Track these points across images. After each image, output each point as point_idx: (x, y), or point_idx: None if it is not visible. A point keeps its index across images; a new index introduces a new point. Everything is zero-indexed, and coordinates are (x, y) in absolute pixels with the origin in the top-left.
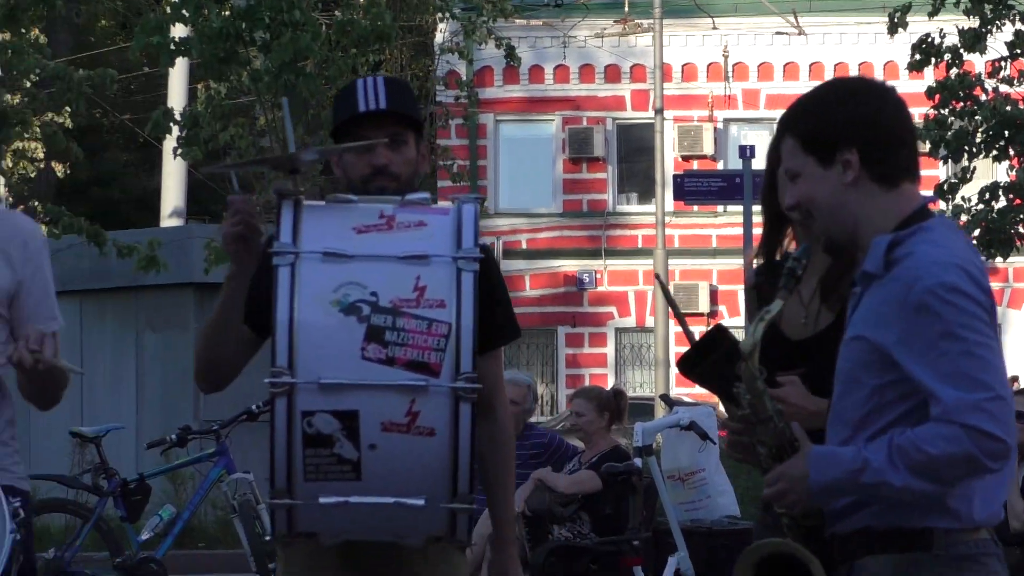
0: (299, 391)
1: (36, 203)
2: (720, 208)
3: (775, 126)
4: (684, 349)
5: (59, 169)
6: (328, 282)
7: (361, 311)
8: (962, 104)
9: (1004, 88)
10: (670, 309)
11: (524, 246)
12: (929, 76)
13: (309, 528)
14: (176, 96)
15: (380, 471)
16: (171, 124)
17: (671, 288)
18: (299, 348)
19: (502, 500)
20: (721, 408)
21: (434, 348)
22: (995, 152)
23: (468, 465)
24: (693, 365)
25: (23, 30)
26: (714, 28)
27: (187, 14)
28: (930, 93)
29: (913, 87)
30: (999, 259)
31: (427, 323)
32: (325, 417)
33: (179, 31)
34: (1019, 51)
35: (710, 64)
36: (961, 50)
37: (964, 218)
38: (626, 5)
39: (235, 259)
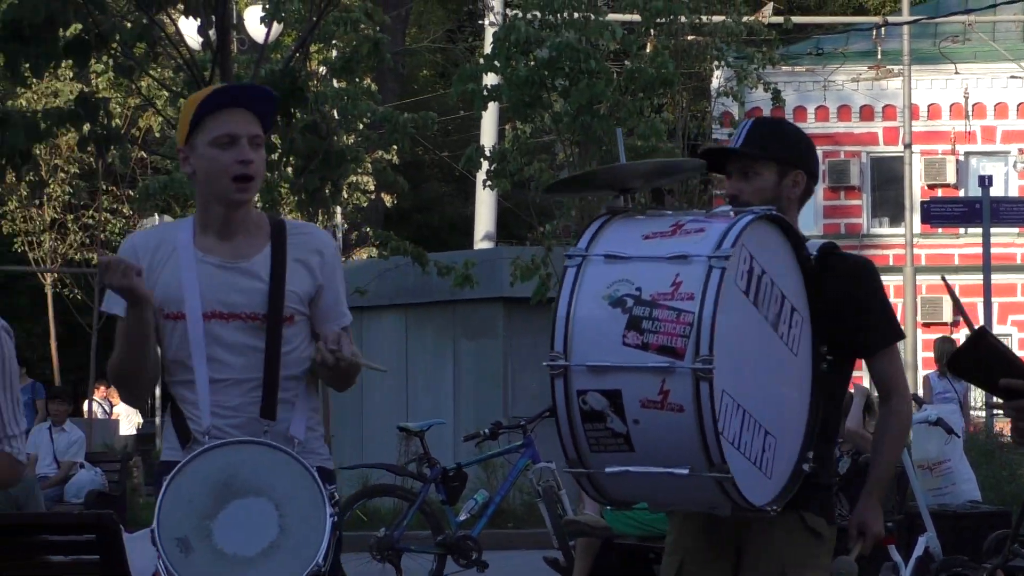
0: (572, 373)
1: (368, 229)
2: (961, 230)
3: (1009, 157)
4: (929, 355)
5: (387, 199)
6: (604, 280)
7: (625, 303)
8: None
9: None
10: (954, 307)
11: None
12: None
13: (613, 496)
14: (487, 135)
15: (647, 443)
16: (482, 159)
17: (919, 301)
18: (573, 336)
19: (878, 463)
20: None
21: (680, 335)
22: None
23: (715, 438)
24: (963, 362)
25: (357, 79)
26: (956, 73)
27: (498, 64)
28: None
29: None
30: None
31: (676, 313)
32: (596, 395)
33: (490, 79)
34: None
35: (952, 104)
36: None
37: None
38: (879, 53)
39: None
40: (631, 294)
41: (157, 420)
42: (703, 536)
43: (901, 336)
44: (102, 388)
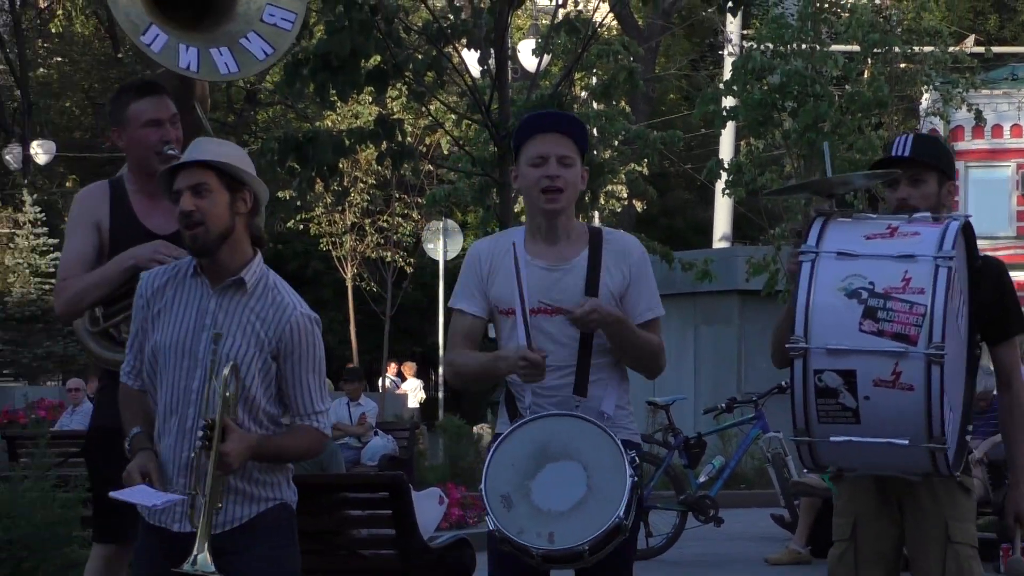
0: (811, 354)
1: (620, 230)
2: None
3: None
4: None
5: (638, 205)
6: (838, 274)
7: (860, 295)
8: None
9: None
10: None
11: None
12: None
13: (828, 462)
14: (725, 150)
15: (873, 417)
16: (721, 171)
17: None
18: (812, 322)
19: (1015, 451)
20: None
21: (914, 324)
22: None
23: (940, 414)
24: None
25: (614, 102)
26: None
27: (735, 89)
28: None
29: None
30: None
31: (909, 305)
32: (831, 375)
33: (729, 102)
34: None
35: None
36: None
37: None
38: None
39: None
40: (865, 287)
41: (440, 394)
42: (873, 498)
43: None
44: (393, 366)
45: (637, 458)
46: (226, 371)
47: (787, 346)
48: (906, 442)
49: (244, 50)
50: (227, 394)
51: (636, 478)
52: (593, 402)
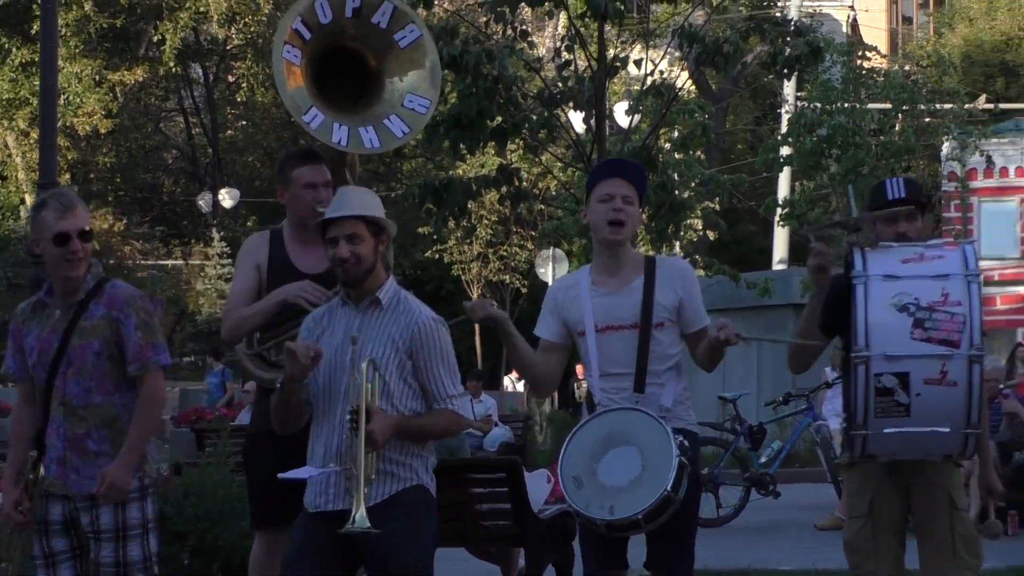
0: (872, 360)
1: (698, 256)
2: None
3: None
4: None
5: (711, 235)
6: (887, 293)
7: (909, 309)
8: None
9: None
10: None
11: (996, 278)
12: None
13: (874, 451)
14: (782, 188)
15: (922, 410)
16: (778, 207)
17: None
18: (871, 334)
19: (987, 443)
20: None
21: (956, 331)
22: None
23: (977, 405)
24: None
25: (691, 151)
26: None
27: (791, 140)
28: None
29: None
30: None
31: (950, 315)
32: (889, 377)
33: (785, 150)
34: None
35: None
36: None
37: None
38: None
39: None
40: (912, 302)
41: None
42: (885, 479)
43: None
44: (515, 372)
45: (686, 442)
46: (364, 364)
47: (852, 355)
48: (947, 429)
49: (387, 129)
50: (368, 385)
51: (682, 458)
52: (652, 397)
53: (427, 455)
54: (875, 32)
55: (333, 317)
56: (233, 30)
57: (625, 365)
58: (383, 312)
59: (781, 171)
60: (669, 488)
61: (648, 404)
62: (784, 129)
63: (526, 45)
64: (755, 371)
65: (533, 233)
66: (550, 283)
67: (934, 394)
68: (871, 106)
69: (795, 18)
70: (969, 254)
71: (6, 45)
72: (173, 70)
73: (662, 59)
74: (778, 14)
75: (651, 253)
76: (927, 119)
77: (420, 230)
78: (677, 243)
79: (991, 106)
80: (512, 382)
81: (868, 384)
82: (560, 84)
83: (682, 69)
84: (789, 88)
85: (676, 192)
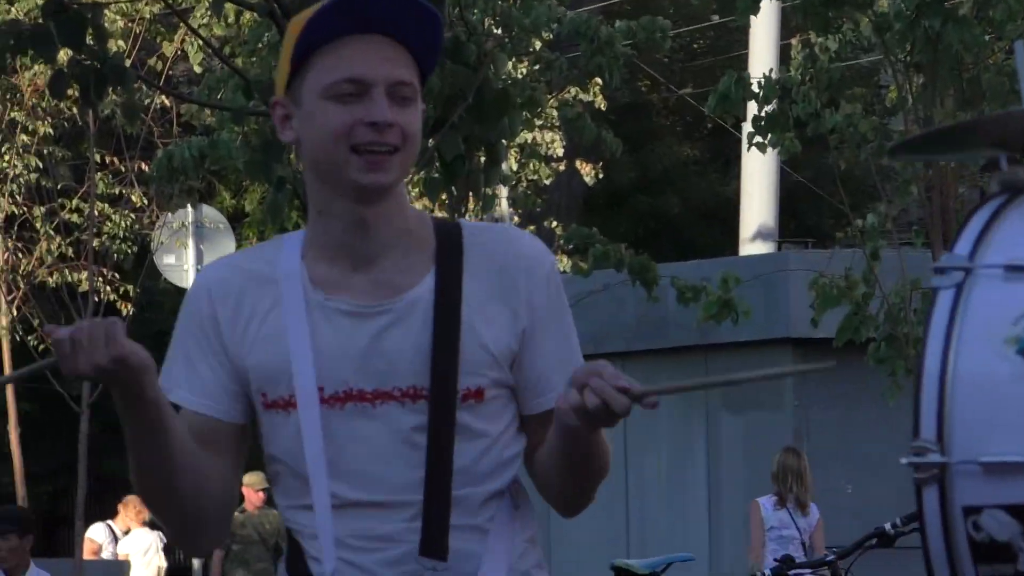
0: (954, 476)
1: (553, 222)
2: None
3: None
4: None
5: (585, 172)
6: (1008, 310)
7: None
8: None
9: None
10: None
11: None
12: None
13: None
14: (758, 58)
15: None
16: (750, 100)
17: None
18: (954, 411)
19: None
20: None
21: None
22: None
23: None
24: None
25: None
26: None
27: None
28: None
29: None
30: None
31: None
32: (998, 514)
33: None
34: None
35: None
36: None
37: None
38: None
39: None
40: None
41: None
42: None
43: None
44: None
45: None
46: None
47: (907, 460)
48: None
49: None
50: None
51: None
52: (464, 564)
53: None
54: None
55: None
56: None
57: (392, 487)
58: None
59: (755, 12)
60: None
61: None
62: None
63: None
64: (705, 506)
65: (144, 167)
66: (188, 281)
67: None
68: None
69: None
70: None
71: None
72: None
73: None
74: None
75: (448, 217)
76: None
77: None
78: (503, 191)
79: None
80: None
81: (952, 533)
82: None
83: None
84: None
85: (493, 66)
